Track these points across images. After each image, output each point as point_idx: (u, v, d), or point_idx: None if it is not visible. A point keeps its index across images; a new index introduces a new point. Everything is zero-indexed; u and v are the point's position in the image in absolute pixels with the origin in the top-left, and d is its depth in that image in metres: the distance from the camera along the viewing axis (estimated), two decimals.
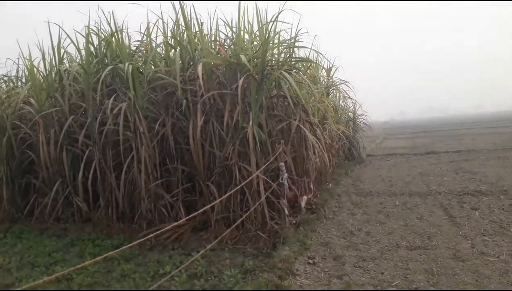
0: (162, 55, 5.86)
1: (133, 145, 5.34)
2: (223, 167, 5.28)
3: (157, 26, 5.92)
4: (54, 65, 6.07)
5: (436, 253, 4.22)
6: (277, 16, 5.00)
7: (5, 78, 7.94)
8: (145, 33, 5.95)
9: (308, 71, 6.00)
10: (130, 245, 2.83)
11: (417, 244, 4.54)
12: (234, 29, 5.97)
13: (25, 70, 7.15)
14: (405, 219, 5.63)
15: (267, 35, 4.96)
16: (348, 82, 8.51)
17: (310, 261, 4.20)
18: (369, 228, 5.31)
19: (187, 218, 4.16)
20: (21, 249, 5.14)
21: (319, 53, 5.42)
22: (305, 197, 5.54)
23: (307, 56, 6.85)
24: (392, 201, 6.77)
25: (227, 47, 5.87)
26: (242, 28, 5.53)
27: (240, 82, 4.81)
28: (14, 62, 7.38)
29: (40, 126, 5.89)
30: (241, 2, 5.35)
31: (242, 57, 4.77)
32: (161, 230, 3.38)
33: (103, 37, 5.81)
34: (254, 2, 5.48)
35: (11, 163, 6.50)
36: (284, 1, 5.22)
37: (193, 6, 5.50)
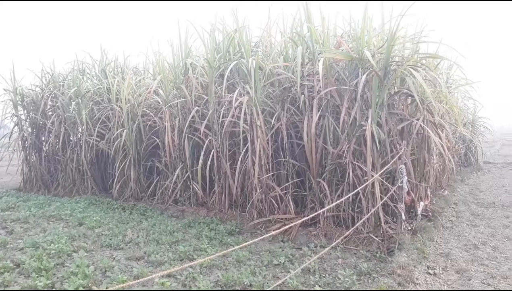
0: (280, 51, 5.96)
1: (248, 137, 5.54)
2: (336, 164, 5.20)
3: (276, 24, 6.06)
4: (181, 59, 6.54)
5: None
6: (406, 11, 4.72)
7: (135, 70, 8.88)
8: (265, 29, 6.12)
9: (434, 69, 5.57)
10: (263, 237, 2.92)
11: None
12: (352, 24, 5.84)
13: (153, 63, 7.87)
14: None
15: (394, 29, 4.72)
16: (473, 82, 7.70)
17: (431, 271, 3.94)
18: (496, 243, 4.81)
19: (304, 218, 4.18)
20: (147, 226, 5.63)
21: (453, 48, 4.94)
22: (422, 203, 5.20)
23: (435, 51, 6.40)
24: None
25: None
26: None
27: (363, 78, 4.67)
28: (145, 55, 8.19)
29: (166, 115, 6.43)
30: None
31: (366, 52, 4.61)
32: (286, 227, 3.40)
33: (226, 33, 6.10)
34: None
35: (139, 147, 7.22)
36: None
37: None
